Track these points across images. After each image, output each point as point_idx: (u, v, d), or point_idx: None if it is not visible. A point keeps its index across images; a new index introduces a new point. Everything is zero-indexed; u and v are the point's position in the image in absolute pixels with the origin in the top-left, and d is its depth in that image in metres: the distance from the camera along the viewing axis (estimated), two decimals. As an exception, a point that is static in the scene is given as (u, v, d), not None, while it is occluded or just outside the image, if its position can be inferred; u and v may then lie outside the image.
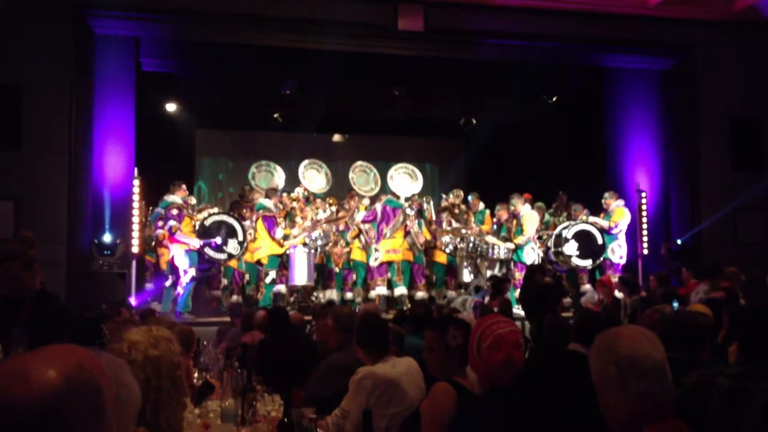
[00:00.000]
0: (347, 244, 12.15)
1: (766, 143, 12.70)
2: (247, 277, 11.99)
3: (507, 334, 2.95)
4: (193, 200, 12.28)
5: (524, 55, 12.42)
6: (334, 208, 12.70)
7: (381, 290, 11.55)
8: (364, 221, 11.75)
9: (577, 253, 11.35)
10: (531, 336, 7.44)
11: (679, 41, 12.53)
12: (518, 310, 10.42)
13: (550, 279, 10.27)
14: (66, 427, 1.22)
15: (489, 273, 11.22)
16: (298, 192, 12.88)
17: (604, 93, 13.30)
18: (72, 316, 4.20)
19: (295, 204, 12.47)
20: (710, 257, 11.18)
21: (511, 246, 11.34)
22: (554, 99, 14.10)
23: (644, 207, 12.44)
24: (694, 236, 12.32)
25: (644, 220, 12.40)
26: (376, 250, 11.53)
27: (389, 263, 11.56)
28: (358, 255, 12.00)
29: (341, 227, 12.20)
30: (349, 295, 12.03)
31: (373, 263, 11.56)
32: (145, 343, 2.42)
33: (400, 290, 11.57)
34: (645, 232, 12.38)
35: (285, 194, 12.59)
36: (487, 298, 9.89)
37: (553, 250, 11.56)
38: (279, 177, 13.18)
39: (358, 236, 11.99)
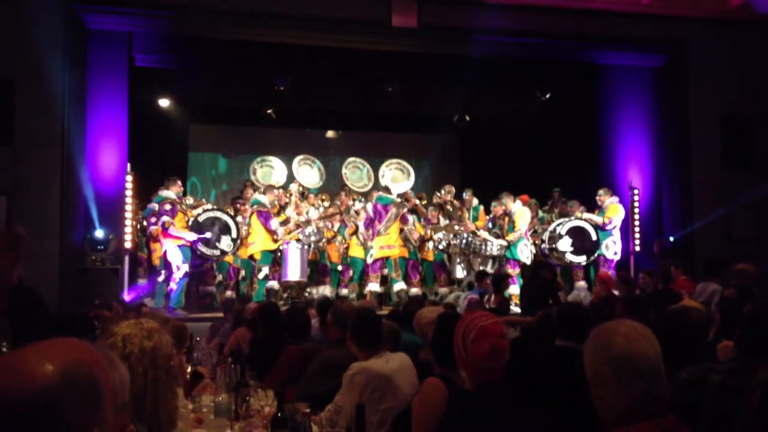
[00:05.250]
0: (344, 239, 12.13)
1: (758, 140, 12.73)
2: (242, 273, 11.95)
3: (490, 325, 2.96)
4: (190, 200, 12.23)
5: (517, 51, 12.43)
6: (326, 204, 12.70)
7: (373, 287, 11.56)
8: (366, 227, 11.75)
9: (571, 249, 11.37)
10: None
11: (671, 38, 12.54)
12: (513, 307, 10.45)
13: (550, 275, 10.34)
14: (62, 420, 1.22)
15: (481, 269, 11.22)
16: (293, 188, 12.87)
17: (597, 90, 13.33)
18: (47, 309, 4.14)
19: (291, 198, 12.46)
20: (702, 254, 11.21)
21: (504, 243, 11.35)
22: (547, 95, 14.12)
23: (636, 204, 12.48)
24: (686, 234, 12.36)
25: (636, 216, 12.43)
26: (371, 247, 11.54)
27: (385, 259, 11.58)
28: (356, 251, 12.00)
29: (336, 223, 12.18)
30: (344, 291, 12.01)
31: (368, 260, 11.57)
32: (139, 336, 2.42)
33: (399, 285, 11.58)
34: (637, 229, 12.41)
35: (280, 190, 12.59)
36: (486, 296, 9.87)
37: (547, 246, 11.57)
38: (279, 172, 13.15)
39: (355, 233, 11.99)
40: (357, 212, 12.24)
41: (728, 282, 8.04)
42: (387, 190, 12.19)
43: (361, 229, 11.85)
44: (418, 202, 12.79)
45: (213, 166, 16.59)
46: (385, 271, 11.72)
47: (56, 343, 1.31)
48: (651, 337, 2.20)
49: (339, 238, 12.14)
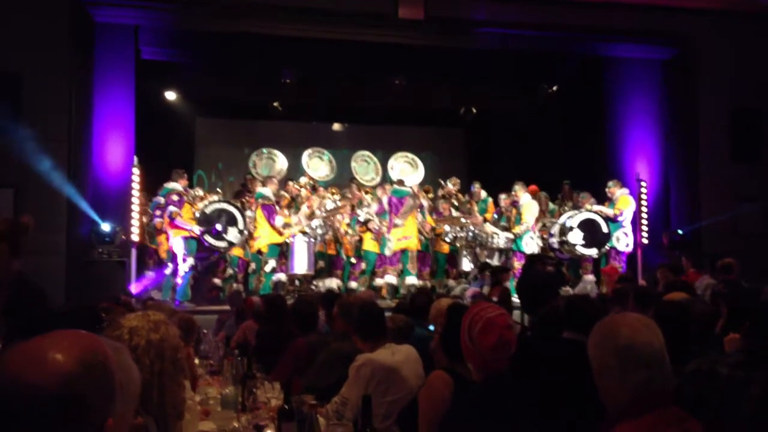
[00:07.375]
0: (355, 232, 12.08)
1: (766, 133, 12.68)
2: (252, 266, 11.93)
3: (496, 317, 2.97)
4: (199, 192, 12.21)
5: (524, 44, 12.39)
6: (337, 197, 12.68)
7: (390, 279, 11.48)
8: (377, 214, 11.69)
9: (583, 242, 11.28)
10: (529, 326, 7.40)
11: (679, 31, 12.49)
12: (517, 300, 10.43)
13: (552, 268, 10.27)
14: (82, 409, 1.24)
15: (485, 262, 11.19)
16: (304, 180, 12.86)
17: (604, 82, 13.26)
18: (47, 303, 4.11)
19: (302, 192, 12.44)
20: (710, 247, 11.18)
21: (511, 235, 11.33)
22: (554, 88, 14.05)
23: (644, 196, 12.42)
24: (695, 227, 12.32)
25: (644, 209, 12.39)
26: (389, 240, 11.50)
27: (403, 251, 11.54)
28: (369, 245, 11.86)
29: (345, 216, 12.13)
30: (353, 284, 11.95)
31: (387, 253, 11.52)
32: (145, 328, 2.42)
33: (412, 279, 11.52)
34: (645, 222, 12.37)
35: (291, 182, 12.57)
36: (486, 288, 9.84)
37: (557, 239, 11.51)
38: (281, 164, 13.13)
39: (367, 228, 11.90)
40: (368, 204, 12.16)
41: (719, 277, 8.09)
42: (401, 182, 12.16)
43: (375, 220, 11.75)
44: (424, 195, 12.77)
45: (219, 159, 16.58)
46: (400, 265, 11.66)
47: (67, 333, 1.31)
48: (655, 328, 2.23)
49: (350, 231, 12.10)
